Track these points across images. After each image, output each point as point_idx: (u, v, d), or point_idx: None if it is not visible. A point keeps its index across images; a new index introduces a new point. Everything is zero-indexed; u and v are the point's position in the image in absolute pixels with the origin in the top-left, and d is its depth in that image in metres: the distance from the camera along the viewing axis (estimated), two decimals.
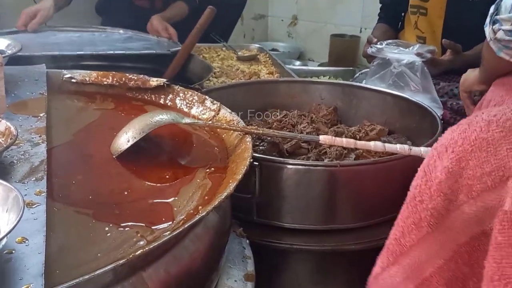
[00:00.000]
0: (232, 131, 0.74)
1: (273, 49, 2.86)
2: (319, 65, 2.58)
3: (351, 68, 2.32)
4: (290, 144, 1.15)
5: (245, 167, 0.60)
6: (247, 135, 0.70)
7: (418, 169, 0.53)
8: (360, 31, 2.70)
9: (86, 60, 1.25)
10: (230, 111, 0.80)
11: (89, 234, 0.52)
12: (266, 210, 0.87)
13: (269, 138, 1.15)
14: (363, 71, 1.61)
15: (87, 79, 0.93)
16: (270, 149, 1.10)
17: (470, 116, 0.53)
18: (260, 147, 1.12)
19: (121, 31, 1.53)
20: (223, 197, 0.53)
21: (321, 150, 1.15)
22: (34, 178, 0.55)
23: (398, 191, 0.89)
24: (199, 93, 0.87)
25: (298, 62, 2.66)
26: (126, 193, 0.61)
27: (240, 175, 0.58)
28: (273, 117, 1.21)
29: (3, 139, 0.58)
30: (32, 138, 0.65)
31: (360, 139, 1.19)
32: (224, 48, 1.74)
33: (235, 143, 0.72)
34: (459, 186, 0.48)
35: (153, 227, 0.54)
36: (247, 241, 0.77)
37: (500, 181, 0.46)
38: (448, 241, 0.49)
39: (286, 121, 1.22)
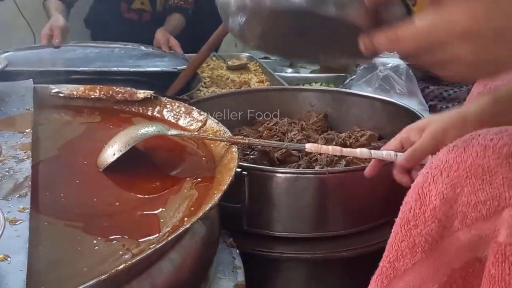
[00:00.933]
0: (218, 142, 0.75)
1: (264, 57, 2.87)
2: (310, 72, 2.58)
3: (342, 74, 2.33)
4: (280, 152, 1.15)
5: (231, 178, 0.60)
6: (234, 145, 0.71)
7: (411, 188, 0.52)
8: None
9: (91, 75, 1.25)
10: (217, 121, 0.81)
11: (78, 248, 0.52)
12: (256, 219, 0.87)
13: (259, 146, 1.15)
14: (353, 77, 1.62)
15: (75, 93, 0.93)
16: (260, 158, 1.11)
17: (466, 136, 0.50)
18: (251, 156, 1.12)
19: (142, 47, 1.52)
20: (207, 208, 0.53)
21: (312, 157, 1.15)
22: (18, 195, 0.54)
23: (387, 196, 0.91)
24: (186, 104, 0.87)
25: (290, 70, 2.66)
26: (114, 204, 0.61)
27: (225, 186, 0.58)
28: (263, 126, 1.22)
29: None
30: (17, 154, 0.65)
31: (350, 145, 1.19)
32: (214, 58, 1.75)
33: (222, 153, 0.72)
34: (454, 213, 0.47)
35: (139, 240, 0.54)
36: (237, 251, 0.77)
37: (495, 211, 0.45)
38: (442, 266, 0.48)
39: (276, 129, 1.22)
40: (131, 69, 1.32)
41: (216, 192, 0.58)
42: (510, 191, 0.45)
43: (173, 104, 0.89)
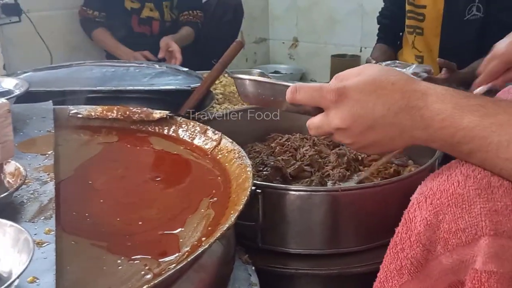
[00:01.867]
0: (233, 161, 0.76)
1: (275, 71, 2.90)
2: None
3: None
4: (293, 168, 1.17)
5: (246, 198, 0.62)
6: (248, 165, 0.72)
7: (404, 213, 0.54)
8: (360, 50, 2.74)
9: (108, 94, 1.29)
10: (231, 140, 0.83)
11: (103, 267, 0.54)
12: (270, 236, 0.88)
13: (272, 163, 1.17)
14: None
15: (93, 114, 0.96)
16: (273, 174, 1.12)
17: (451, 163, 0.53)
18: (264, 172, 1.14)
19: (156, 65, 1.55)
20: (224, 228, 0.54)
21: (324, 173, 1.17)
22: (43, 217, 0.57)
23: (400, 212, 0.91)
24: (201, 124, 0.90)
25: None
26: (136, 224, 0.64)
27: (241, 206, 0.60)
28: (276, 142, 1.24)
29: (13, 179, 0.60)
30: (41, 176, 0.67)
31: (362, 160, 1.21)
32: (225, 75, 1.77)
33: (237, 172, 0.74)
34: (437, 238, 0.49)
35: (160, 260, 0.56)
36: (253, 267, 0.79)
37: (473, 238, 0.47)
38: None
39: (288, 144, 1.24)
40: (146, 88, 1.35)
41: (232, 212, 0.60)
42: (487, 220, 0.47)
43: (188, 123, 0.91)
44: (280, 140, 1.25)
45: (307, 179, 1.12)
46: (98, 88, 1.31)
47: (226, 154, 0.80)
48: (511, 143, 0.48)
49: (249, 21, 2.90)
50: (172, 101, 1.35)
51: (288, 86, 0.61)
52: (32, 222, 0.56)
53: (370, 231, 0.90)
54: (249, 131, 1.26)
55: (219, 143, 0.84)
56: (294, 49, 3.01)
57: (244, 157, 0.75)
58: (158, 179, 0.76)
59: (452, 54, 1.47)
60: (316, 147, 1.23)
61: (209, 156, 0.83)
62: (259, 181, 1.09)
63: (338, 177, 1.15)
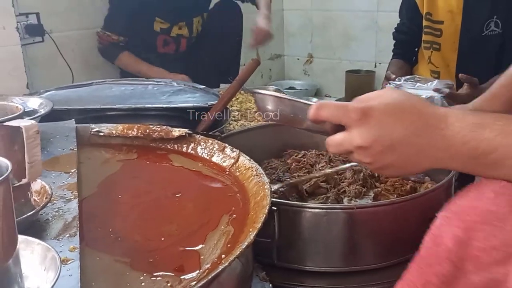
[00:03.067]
0: (251, 179, 0.78)
1: (290, 87, 2.92)
2: (336, 101, 2.62)
3: None
4: (309, 184, 1.17)
5: (264, 215, 0.63)
6: (266, 183, 0.74)
7: (429, 229, 0.54)
8: (375, 66, 2.74)
9: (127, 112, 1.33)
10: (249, 158, 0.84)
11: (126, 283, 0.56)
12: (286, 253, 0.88)
13: (288, 179, 1.17)
14: None
15: (114, 132, 0.98)
16: (289, 191, 1.13)
17: (480, 182, 0.54)
18: (280, 189, 1.14)
19: (174, 83, 1.57)
20: (244, 246, 0.56)
21: (340, 189, 1.17)
22: (68, 235, 0.59)
23: (416, 229, 0.90)
24: (219, 142, 0.91)
25: (315, 99, 2.71)
26: (158, 240, 0.65)
27: (260, 224, 0.61)
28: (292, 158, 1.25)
29: (38, 197, 0.63)
30: (65, 194, 0.69)
31: (378, 176, 1.21)
32: (242, 92, 1.80)
33: (255, 189, 0.75)
34: (467, 256, 0.49)
35: (181, 277, 0.57)
36: (270, 285, 0.79)
37: (506, 256, 0.47)
38: None
39: (304, 161, 1.24)
40: (164, 105, 1.38)
41: (251, 230, 0.61)
42: None
43: (206, 141, 0.93)
44: (296, 156, 1.26)
45: (323, 196, 1.12)
46: (117, 106, 1.34)
47: (244, 172, 0.81)
48: None
49: None
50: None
51: (309, 104, 0.62)
52: (57, 240, 0.58)
53: (387, 249, 0.90)
54: (265, 148, 1.28)
55: (237, 161, 0.85)
56: (309, 65, 3.03)
57: (261, 175, 0.77)
58: (179, 195, 0.78)
59: (469, 69, 1.47)
60: (332, 163, 1.24)
61: (227, 173, 0.85)
62: (275, 198, 1.10)
63: (354, 193, 1.15)
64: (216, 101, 1.38)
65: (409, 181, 1.17)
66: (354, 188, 1.16)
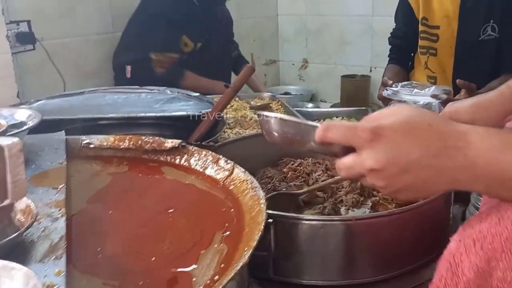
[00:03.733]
0: (246, 192, 0.75)
1: (285, 93, 2.91)
2: (331, 106, 2.61)
3: (363, 108, 2.34)
4: (305, 194, 1.15)
5: (260, 232, 0.61)
6: (262, 197, 0.71)
7: (443, 255, 0.51)
8: (370, 71, 2.73)
9: (120, 121, 1.31)
10: (243, 170, 0.82)
11: None
12: (283, 267, 0.86)
13: (284, 189, 1.15)
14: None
15: (105, 144, 0.96)
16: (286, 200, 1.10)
17: (499, 206, 0.50)
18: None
19: (168, 91, 1.53)
20: (238, 268, 0.53)
21: (337, 198, 1.15)
22: (54, 257, 0.56)
23: (415, 242, 0.89)
24: (213, 153, 0.89)
25: (310, 104, 2.70)
26: (148, 260, 0.62)
27: (255, 242, 0.59)
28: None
29: (24, 217, 0.60)
30: (52, 212, 0.67)
31: None
32: (237, 99, 1.77)
33: (250, 204, 0.72)
34: (489, 287, 0.46)
35: None
36: None
37: None
38: None
39: (301, 169, 1.22)
40: (157, 114, 1.35)
41: (246, 248, 0.59)
42: None
43: (200, 152, 0.90)
44: (292, 165, 1.24)
45: (319, 205, 1.11)
46: (110, 115, 1.32)
47: (239, 185, 0.79)
48: None
49: (260, 43, 2.93)
50: (184, 126, 1.35)
51: (315, 125, 0.59)
52: (43, 263, 0.55)
53: (386, 261, 0.88)
54: (261, 156, 1.25)
55: (231, 173, 0.83)
56: (304, 70, 3.02)
57: (257, 188, 0.74)
58: (171, 210, 0.75)
59: (466, 74, 1.46)
60: (329, 172, 1.22)
61: (222, 186, 0.82)
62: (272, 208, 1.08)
63: (352, 203, 1.13)
64: (210, 109, 1.36)
65: None
66: (351, 197, 1.15)
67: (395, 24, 1.76)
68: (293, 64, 3.04)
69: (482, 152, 0.49)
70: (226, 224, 0.70)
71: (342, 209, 1.10)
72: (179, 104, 1.44)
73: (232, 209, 0.74)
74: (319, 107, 2.66)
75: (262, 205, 0.69)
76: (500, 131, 0.51)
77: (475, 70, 1.52)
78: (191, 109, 1.41)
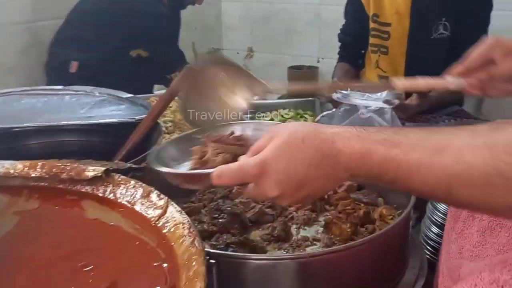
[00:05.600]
0: (182, 240, 0.63)
1: None
2: (278, 98, 2.51)
3: (310, 98, 2.27)
4: (253, 212, 1.06)
5: None
6: (203, 250, 0.59)
7: None
8: (318, 61, 2.66)
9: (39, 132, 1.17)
10: (179, 209, 0.69)
11: None
12: None
13: (229, 208, 1.05)
14: (325, 113, 1.54)
15: (12, 171, 0.79)
16: (231, 221, 1.01)
17: (471, 278, 0.49)
18: (220, 220, 1.02)
19: (96, 92, 1.35)
20: None
21: (288, 215, 1.07)
22: None
23: (375, 270, 0.82)
24: (144, 184, 0.75)
25: (257, 96, 2.58)
26: None
27: None
28: None
29: None
30: None
31: (329, 198, 1.11)
32: (176, 99, 1.62)
33: (186, 257, 0.60)
34: None
35: None
36: None
37: None
38: None
39: None
40: (83, 122, 1.19)
41: None
42: None
43: (128, 183, 0.76)
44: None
45: (269, 224, 1.02)
46: (26, 124, 1.13)
47: (173, 229, 0.66)
48: (420, 166, 0.51)
49: (202, 31, 2.76)
50: (115, 133, 1.19)
51: (207, 172, 0.63)
52: None
53: None
54: None
55: (164, 212, 0.70)
56: (250, 60, 2.90)
57: (196, 237, 0.62)
58: (89, 268, 0.61)
59: (418, 74, 1.39)
60: None
61: (153, 227, 0.69)
62: (215, 230, 0.97)
63: (303, 220, 1.06)
64: (144, 115, 1.20)
65: (362, 205, 1.09)
66: (302, 214, 1.07)
67: (344, 19, 1.67)
68: (238, 53, 2.90)
69: (349, 158, 0.57)
70: (156, 285, 0.58)
71: (293, 228, 1.02)
72: (109, 109, 1.27)
73: (165, 264, 0.61)
74: (265, 99, 2.56)
75: (201, 265, 0.56)
76: (361, 133, 0.57)
77: (427, 69, 1.45)
78: (123, 114, 1.25)
